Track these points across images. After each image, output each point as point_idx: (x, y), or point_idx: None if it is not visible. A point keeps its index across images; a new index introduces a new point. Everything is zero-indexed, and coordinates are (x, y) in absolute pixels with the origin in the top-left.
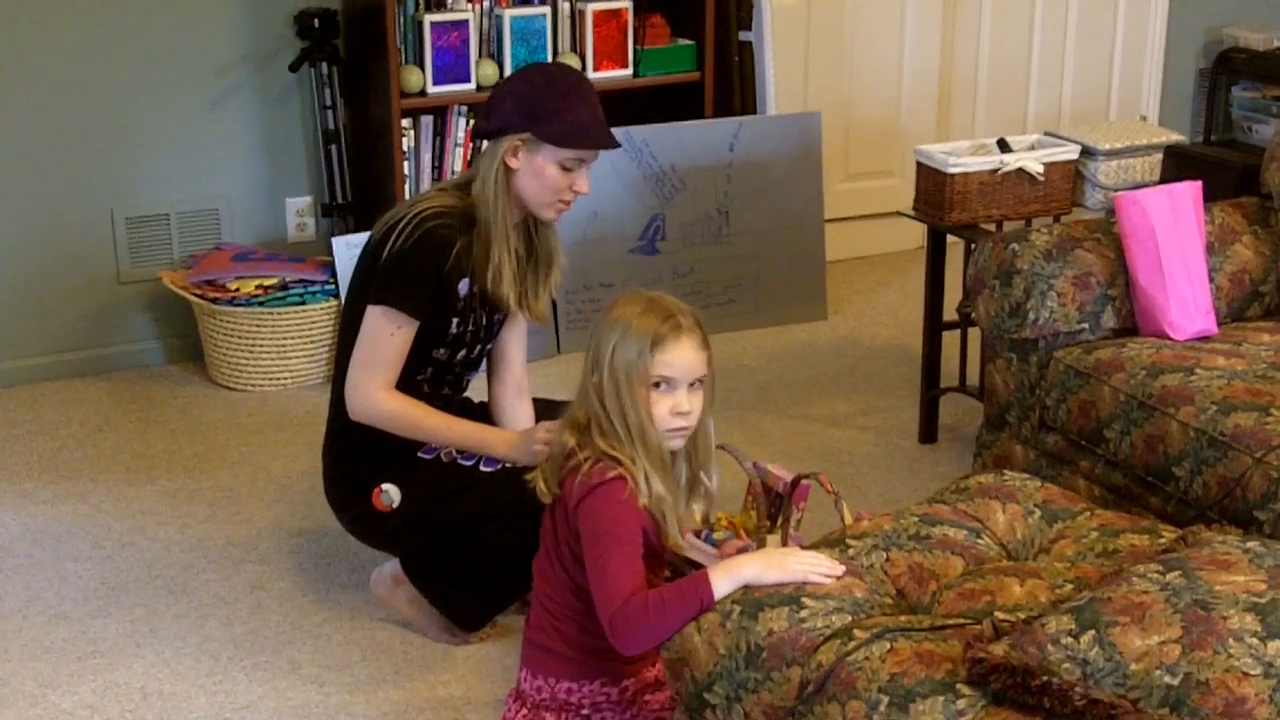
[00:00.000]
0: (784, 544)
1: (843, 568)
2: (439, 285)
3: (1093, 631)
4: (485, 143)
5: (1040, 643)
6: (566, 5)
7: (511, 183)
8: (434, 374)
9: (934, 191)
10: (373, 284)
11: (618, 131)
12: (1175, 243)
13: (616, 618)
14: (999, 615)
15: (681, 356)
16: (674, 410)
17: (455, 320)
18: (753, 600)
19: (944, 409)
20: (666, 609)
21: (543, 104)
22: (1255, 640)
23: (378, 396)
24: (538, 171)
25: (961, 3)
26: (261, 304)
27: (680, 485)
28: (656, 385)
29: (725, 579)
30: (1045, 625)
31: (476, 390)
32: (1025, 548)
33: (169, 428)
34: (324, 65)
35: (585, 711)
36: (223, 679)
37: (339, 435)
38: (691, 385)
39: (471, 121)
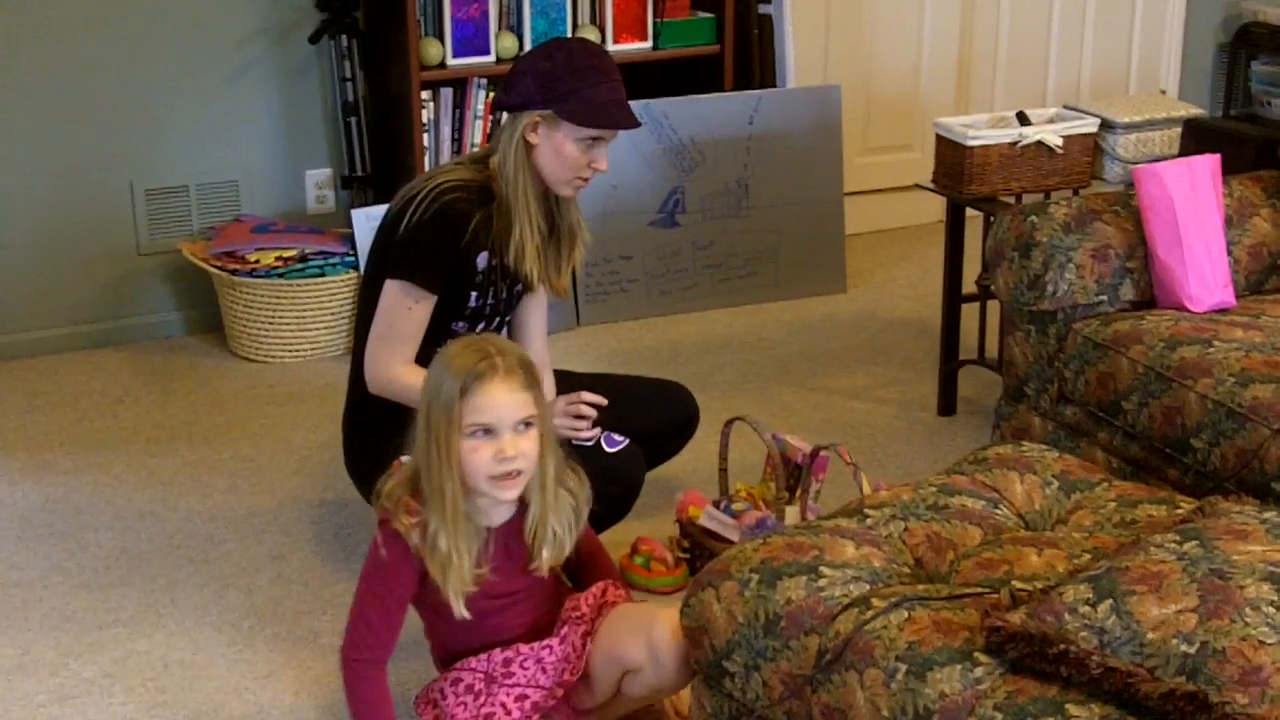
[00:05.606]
0: (802, 515)
1: None
2: (457, 259)
3: (1110, 600)
4: (505, 115)
5: (1058, 611)
6: None
7: (531, 158)
8: None
9: (953, 164)
10: (390, 258)
11: (637, 104)
12: (1194, 215)
13: (342, 660)
14: (1016, 584)
15: (494, 400)
16: (498, 457)
17: (474, 294)
18: (770, 568)
19: (963, 381)
20: (351, 701)
21: (563, 81)
22: (1272, 609)
23: (396, 370)
24: (557, 148)
25: None
26: (281, 275)
27: (528, 531)
28: (477, 433)
29: None
30: (1063, 594)
31: None
32: (1043, 518)
33: (189, 399)
34: (343, 37)
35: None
36: (243, 648)
37: (358, 408)
38: (521, 427)
39: (491, 94)
